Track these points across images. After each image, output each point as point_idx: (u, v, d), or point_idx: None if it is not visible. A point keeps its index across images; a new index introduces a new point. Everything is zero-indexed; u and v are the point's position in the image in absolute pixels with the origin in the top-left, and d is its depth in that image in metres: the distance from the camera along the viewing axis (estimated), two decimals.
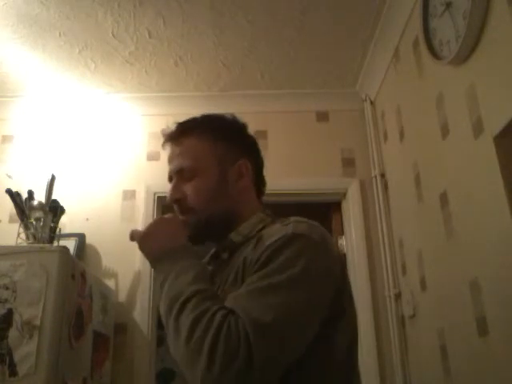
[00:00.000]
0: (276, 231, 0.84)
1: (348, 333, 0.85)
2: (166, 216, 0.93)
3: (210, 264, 1.00)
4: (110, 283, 2.34)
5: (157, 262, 0.86)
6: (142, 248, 0.90)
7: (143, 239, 0.89)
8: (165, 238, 0.87)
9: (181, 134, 0.99)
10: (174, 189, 0.97)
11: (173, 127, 1.02)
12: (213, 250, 0.99)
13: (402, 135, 2.21)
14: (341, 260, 0.88)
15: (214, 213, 0.93)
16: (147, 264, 2.52)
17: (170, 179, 0.99)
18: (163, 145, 1.02)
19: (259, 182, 1.04)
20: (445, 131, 1.70)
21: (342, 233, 2.58)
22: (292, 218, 0.87)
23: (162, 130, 1.02)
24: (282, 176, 2.47)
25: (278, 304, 0.73)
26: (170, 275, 0.81)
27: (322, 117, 2.72)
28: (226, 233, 0.95)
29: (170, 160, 1.00)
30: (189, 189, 0.94)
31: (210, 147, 0.97)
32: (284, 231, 0.82)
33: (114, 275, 2.38)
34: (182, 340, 0.72)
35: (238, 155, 0.98)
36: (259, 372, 0.68)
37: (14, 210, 2.19)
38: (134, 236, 0.92)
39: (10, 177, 2.44)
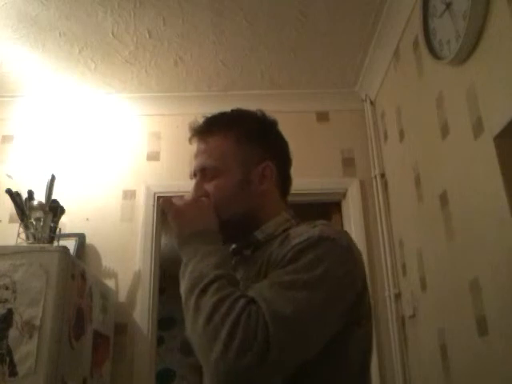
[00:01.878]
0: (303, 232, 0.84)
1: (363, 344, 0.85)
2: (203, 198, 0.93)
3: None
4: (110, 283, 2.34)
5: (185, 241, 0.87)
6: (174, 223, 0.90)
7: (178, 215, 0.90)
8: (197, 220, 0.88)
9: (207, 131, 0.98)
10: (197, 186, 0.96)
11: (200, 122, 1.00)
12: (233, 246, 0.99)
13: (401, 135, 2.21)
14: (364, 269, 0.87)
15: (234, 213, 0.93)
16: (147, 264, 2.53)
17: (194, 175, 0.99)
18: (190, 139, 1.00)
19: (284, 182, 1.03)
20: (445, 131, 1.70)
21: None
22: (319, 222, 0.87)
23: (190, 124, 1.00)
24: None
25: (299, 299, 0.74)
26: (196, 256, 0.82)
27: (322, 117, 2.72)
28: (246, 234, 0.95)
29: (195, 156, 0.99)
30: (210, 188, 0.94)
31: (235, 148, 0.96)
32: (311, 233, 0.83)
33: (114, 275, 2.38)
34: (201, 321, 0.72)
35: (262, 156, 0.97)
36: (274, 363, 0.69)
37: (14, 210, 2.19)
38: (166, 206, 0.92)
39: (10, 177, 2.44)
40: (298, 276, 0.76)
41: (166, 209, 0.93)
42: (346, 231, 0.89)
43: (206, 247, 0.83)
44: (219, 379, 0.69)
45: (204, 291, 0.75)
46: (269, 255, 0.86)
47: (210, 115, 1.01)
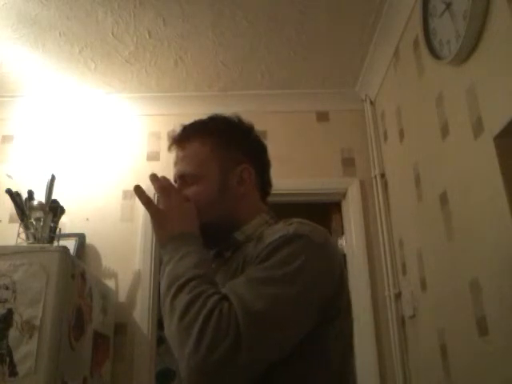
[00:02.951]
0: (278, 230, 0.85)
1: (342, 340, 0.85)
2: (187, 202, 0.93)
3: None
4: (110, 283, 2.34)
5: (167, 241, 0.87)
6: (158, 224, 0.91)
7: (162, 216, 0.90)
8: (181, 223, 0.89)
9: (184, 138, 1.00)
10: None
11: (178, 130, 1.02)
12: (215, 250, 1.00)
13: (401, 135, 2.21)
14: (341, 265, 0.87)
15: (214, 218, 0.94)
16: (147, 264, 2.54)
17: (175, 182, 1.00)
18: (169, 148, 1.02)
19: (264, 184, 1.04)
20: (445, 131, 1.70)
21: (342, 233, 2.58)
22: (295, 219, 0.88)
23: (169, 133, 1.03)
24: (282, 176, 2.46)
25: (271, 295, 0.74)
26: (176, 256, 0.83)
27: (322, 117, 2.72)
28: (225, 237, 0.96)
29: (175, 164, 1.01)
30: (190, 194, 0.95)
31: (212, 153, 0.97)
32: (285, 230, 0.83)
33: (114, 275, 2.38)
34: (175, 320, 0.74)
35: (240, 160, 0.98)
36: (244, 358, 0.69)
37: (14, 210, 2.19)
38: (144, 200, 0.93)
39: (10, 177, 2.44)
40: (271, 272, 0.77)
41: (141, 199, 0.93)
42: (322, 228, 0.88)
43: (186, 248, 0.84)
44: (190, 374, 0.70)
45: (180, 290, 0.77)
46: (245, 255, 0.87)
47: (187, 123, 1.03)
